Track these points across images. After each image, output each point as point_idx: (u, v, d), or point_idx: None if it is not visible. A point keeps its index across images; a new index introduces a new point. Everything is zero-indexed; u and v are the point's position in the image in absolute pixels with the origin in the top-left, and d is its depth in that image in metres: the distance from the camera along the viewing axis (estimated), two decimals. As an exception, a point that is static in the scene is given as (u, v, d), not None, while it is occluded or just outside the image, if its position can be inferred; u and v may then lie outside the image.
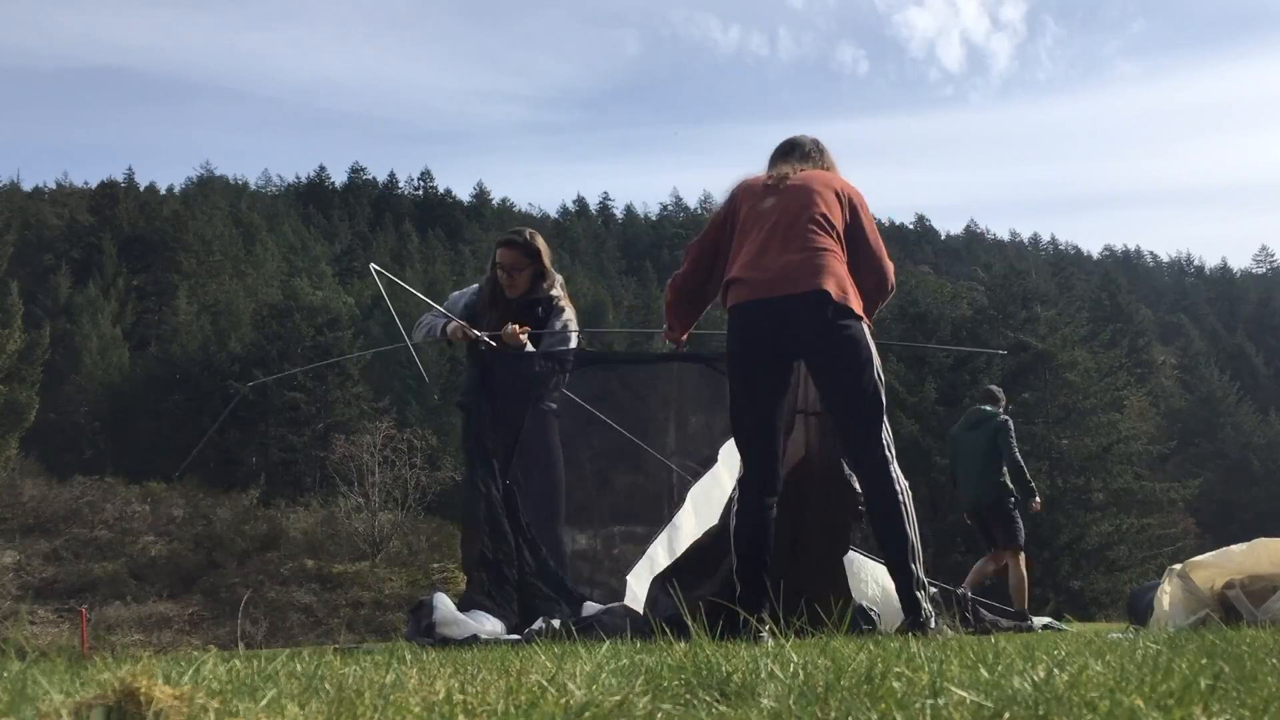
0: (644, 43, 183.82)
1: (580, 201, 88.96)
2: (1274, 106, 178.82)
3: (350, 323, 41.13)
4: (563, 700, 1.31)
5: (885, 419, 3.60)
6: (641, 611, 3.90)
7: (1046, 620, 6.18)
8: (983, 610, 5.01)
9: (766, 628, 3.25)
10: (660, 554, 4.86)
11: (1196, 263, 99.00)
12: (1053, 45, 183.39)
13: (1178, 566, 4.22)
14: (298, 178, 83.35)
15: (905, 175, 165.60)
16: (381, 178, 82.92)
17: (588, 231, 79.08)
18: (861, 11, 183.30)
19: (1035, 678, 1.34)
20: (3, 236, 33.48)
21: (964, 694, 1.22)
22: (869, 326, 3.68)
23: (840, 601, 3.28)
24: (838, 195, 3.75)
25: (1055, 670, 1.41)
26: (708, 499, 5.05)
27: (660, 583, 3.91)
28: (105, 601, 23.27)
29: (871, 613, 3.89)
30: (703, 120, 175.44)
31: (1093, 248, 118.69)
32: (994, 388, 8.22)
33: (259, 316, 39.10)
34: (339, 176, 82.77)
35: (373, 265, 5.62)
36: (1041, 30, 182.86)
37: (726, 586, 3.60)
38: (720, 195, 4.00)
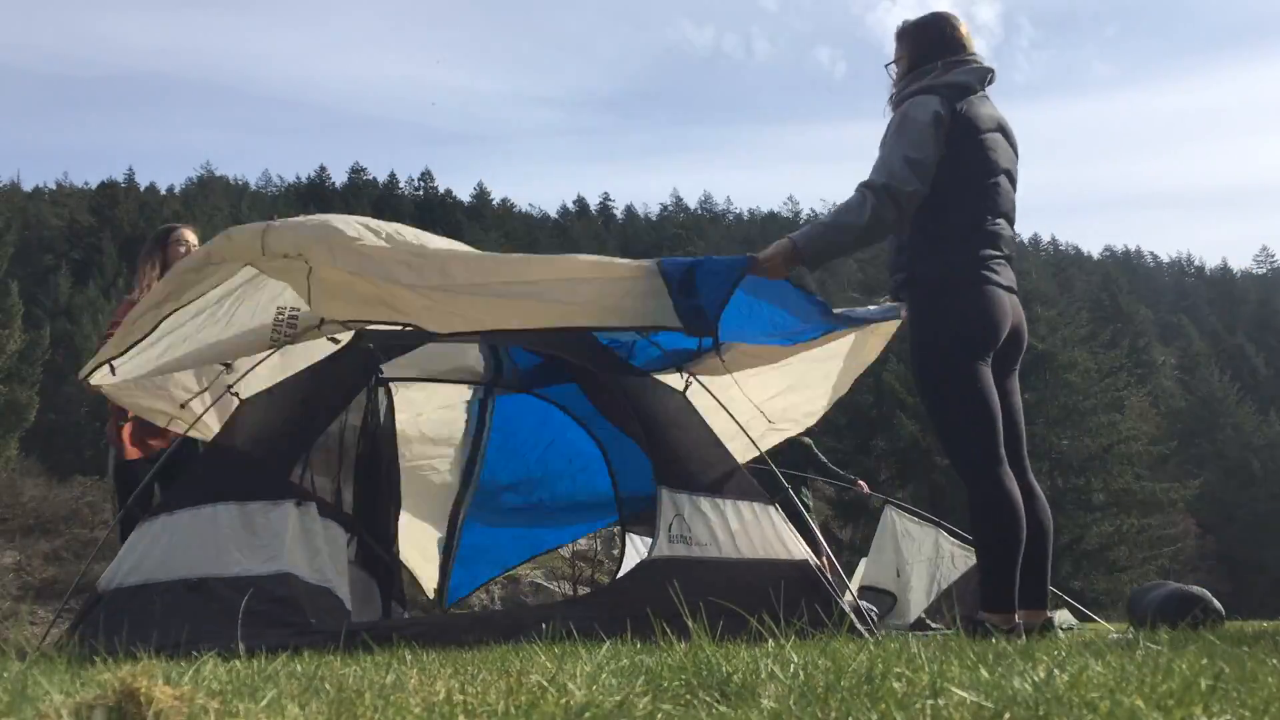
0: (645, 45, 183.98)
1: (580, 201, 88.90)
2: (1274, 110, 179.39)
3: (350, 323, 41.07)
4: (563, 700, 1.31)
5: None
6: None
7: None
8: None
9: None
10: None
11: (1197, 263, 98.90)
12: (1029, 48, 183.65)
13: None
14: (298, 178, 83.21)
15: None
16: (381, 178, 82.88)
17: (588, 231, 78.90)
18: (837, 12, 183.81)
19: (1035, 678, 1.34)
20: (3, 236, 33.40)
21: (964, 694, 1.22)
22: None
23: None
24: None
25: (1055, 670, 1.41)
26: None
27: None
28: (105, 602, 23.27)
29: (870, 614, 3.84)
30: (703, 121, 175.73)
31: (1093, 248, 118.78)
32: None
33: (259, 317, 39.00)
34: (339, 177, 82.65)
35: None
36: (1017, 32, 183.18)
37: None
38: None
